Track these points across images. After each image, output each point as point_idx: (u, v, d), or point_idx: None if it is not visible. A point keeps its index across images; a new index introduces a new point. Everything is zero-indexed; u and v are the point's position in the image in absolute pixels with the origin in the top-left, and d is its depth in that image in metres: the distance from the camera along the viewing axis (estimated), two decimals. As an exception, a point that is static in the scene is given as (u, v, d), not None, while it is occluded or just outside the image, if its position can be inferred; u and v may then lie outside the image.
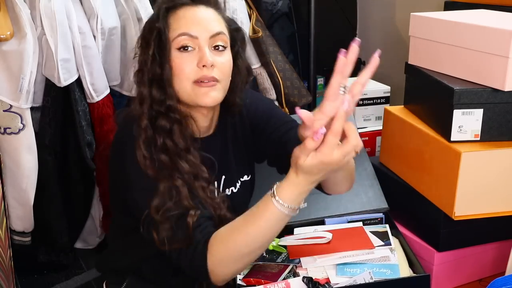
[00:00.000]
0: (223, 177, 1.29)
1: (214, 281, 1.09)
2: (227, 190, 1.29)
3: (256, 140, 1.35)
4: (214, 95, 1.16)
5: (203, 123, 1.24)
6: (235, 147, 1.32)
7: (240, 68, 1.25)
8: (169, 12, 1.18)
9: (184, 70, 1.15)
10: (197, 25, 1.16)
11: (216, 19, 1.20)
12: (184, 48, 1.15)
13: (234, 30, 1.24)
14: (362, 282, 1.20)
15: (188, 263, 1.10)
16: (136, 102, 1.18)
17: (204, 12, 1.18)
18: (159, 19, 1.17)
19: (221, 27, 1.19)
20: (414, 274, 1.28)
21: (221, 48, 1.18)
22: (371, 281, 1.19)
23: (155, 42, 1.16)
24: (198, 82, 1.15)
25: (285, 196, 1.02)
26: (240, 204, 1.31)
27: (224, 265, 1.07)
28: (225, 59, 1.19)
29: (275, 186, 1.04)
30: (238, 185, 1.32)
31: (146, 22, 1.22)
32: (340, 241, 1.34)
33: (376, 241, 1.35)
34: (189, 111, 1.20)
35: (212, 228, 1.10)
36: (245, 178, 1.34)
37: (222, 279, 1.10)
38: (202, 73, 1.14)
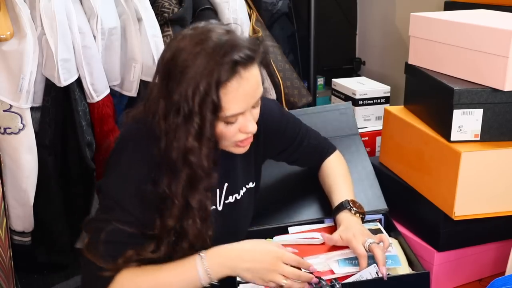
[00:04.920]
0: (226, 184, 1.27)
1: None
2: (230, 197, 1.28)
3: (265, 148, 1.37)
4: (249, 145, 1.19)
5: None
6: (243, 154, 1.29)
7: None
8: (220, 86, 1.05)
9: (227, 137, 1.13)
10: (247, 102, 1.10)
11: (259, 78, 1.12)
12: (230, 122, 1.12)
13: (264, 66, 1.17)
14: (369, 277, 1.20)
15: (87, 280, 1.13)
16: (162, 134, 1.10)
17: (253, 79, 1.08)
18: (211, 93, 1.03)
19: (261, 85, 1.13)
20: (414, 272, 1.28)
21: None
22: (377, 276, 1.19)
23: (203, 115, 1.05)
24: (240, 141, 1.16)
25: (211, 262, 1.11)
26: (243, 211, 1.32)
27: None
28: (259, 108, 1.17)
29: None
30: (242, 192, 1.31)
31: (193, 87, 1.03)
32: None
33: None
34: None
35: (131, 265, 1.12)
36: (251, 185, 1.34)
37: None
38: (245, 136, 1.15)
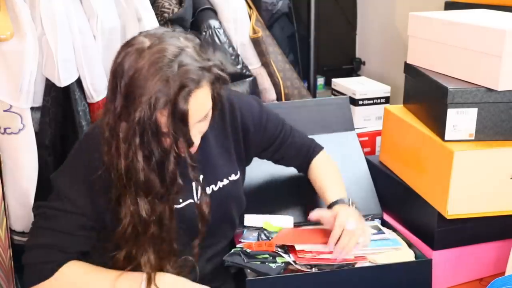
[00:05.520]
0: (201, 176, 1.28)
1: None
2: (207, 188, 1.29)
3: (246, 144, 1.37)
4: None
5: None
6: (223, 146, 1.32)
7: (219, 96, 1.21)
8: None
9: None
10: (190, 121, 1.10)
11: (206, 97, 1.12)
12: None
13: (216, 82, 1.15)
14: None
15: (28, 268, 1.17)
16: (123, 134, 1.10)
17: (196, 102, 1.08)
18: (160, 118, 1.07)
19: (208, 104, 1.14)
20: (416, 260, 1.30)
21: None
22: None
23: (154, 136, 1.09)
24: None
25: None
26: (223, 203, 1.32)
27: None
28: (207, 121, 1.17)
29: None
30: (222, 183, 1.32)
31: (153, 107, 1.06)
32: None
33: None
34: None
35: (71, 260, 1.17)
36: (233, 177, 1.35)
37: None
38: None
